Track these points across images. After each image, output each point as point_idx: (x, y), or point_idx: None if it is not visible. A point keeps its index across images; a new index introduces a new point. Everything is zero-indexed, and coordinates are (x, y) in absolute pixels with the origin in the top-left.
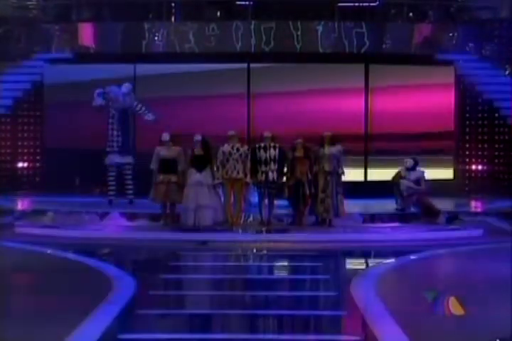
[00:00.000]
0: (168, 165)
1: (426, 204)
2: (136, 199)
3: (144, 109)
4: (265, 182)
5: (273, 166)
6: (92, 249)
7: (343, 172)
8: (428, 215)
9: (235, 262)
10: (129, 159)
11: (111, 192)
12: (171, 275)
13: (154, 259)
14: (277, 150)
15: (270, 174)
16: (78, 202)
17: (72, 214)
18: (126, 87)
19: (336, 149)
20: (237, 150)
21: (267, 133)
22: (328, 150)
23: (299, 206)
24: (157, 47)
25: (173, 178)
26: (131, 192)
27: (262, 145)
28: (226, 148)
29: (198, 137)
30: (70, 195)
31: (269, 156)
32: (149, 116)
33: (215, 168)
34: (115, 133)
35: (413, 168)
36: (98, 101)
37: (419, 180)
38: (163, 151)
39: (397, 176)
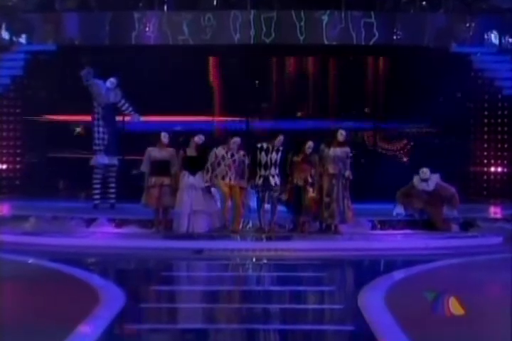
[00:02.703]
0: (160, 167)
1: (436, 219)
2: (126, 204)
3: (130, 109)
4: (263, 187)
5: (273, 171)
6: (77, 258)
7: (350, 176)
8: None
9: (232, 272)
10: (114, 160)
11: (96, 196)
12: (163, 286)
13: (145, 269)
14: (280, 153)
15: (271, 179)
16: (62, 207)
17: (56, 220)
18: (111, 81)
19: (341, 150)
20: (232, 155)
21: (279, 137)
22: (333, 151)
23: (297, 212)
24: (148, 39)
25: (166, 181)
26: (113, 196)
27: (265, 146)
28: (220, 151)
29: (201, 137)
30: (53, 200)
31: (270, 160)
32: (135, 117)
33: (204, 173)
34: (101, 130)
35: (427, 176)
36: (86, 71)
37: (439, 188)
38: (154, 152)
39: (407, 191)
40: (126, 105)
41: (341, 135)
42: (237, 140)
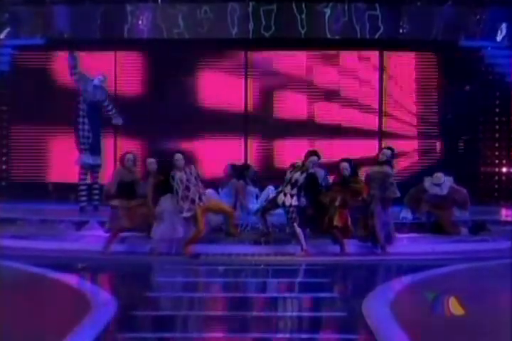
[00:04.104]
0: (131, 189)
1: (444, 222)
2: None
3: (114, 110)
4: (269, 202)
5: (288, 189)
6: (67, 263)
7: (390, 195)
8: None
9: (229, 278)
10: (99, 160)
11: (82, 198)
12: (157, 293)
13: (138, 274)
14: (303, 175)
15: (281, 196)
16: (51, 209)
17: (45, 223)
18: (99, 79)
19: (378, 171)
20: (190, 173)
21: (313, 158)
22: (368, 170)
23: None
24: (141, 32)
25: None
26: (97, 197)
27: (296, 164)
28: (180, 175)
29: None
30: (41, 202)
31: (290, 178)
32: (118, 120)
33: (180, 202)
34: (86, 127)
35: (440, 180)
36: (71, 56)
37: (452, 191)
38: (129, 174)
39: (417, 195)
40: (111, 106)
41: (382, 154)
42: (178, 156)
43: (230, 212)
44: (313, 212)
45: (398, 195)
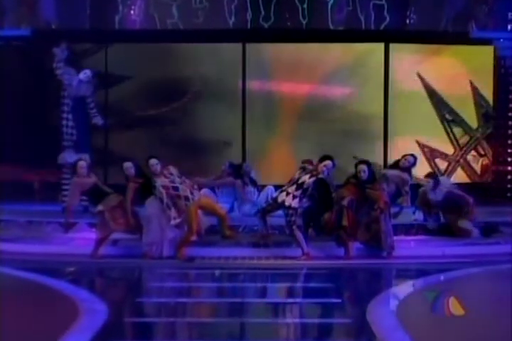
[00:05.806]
0: (101, 191)
1: (454, 224)
2: None
3: (95, 110)
4: (268, 203)
5: (292, 189)
6: (55, 267)
7: (403, 202)
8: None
9: (226, 283)
10: (85, 158)
11: (65, 198)
12: (150, 298)
13: (130, 279)
14: (312, 179)
15: (282, 194)
16: (38, 210)
17: (31, 225)
18: (85, 73)
19: (397, 174)
20: (171, 174)
21: (326, 162)
22: (386, 171)
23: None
24: (133, 23)
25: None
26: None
27: (306, 167)
28: (162, 181)
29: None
30: (28, 202)
31: (297, 179)
32: (98, 120)
33: (167, 211)
34: (70, 124)
35: (436, 184)
36: (59, 49)
37: (451, 196)
38: (84, 180)
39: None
40: (92, 105)
41: (405, 160)
42: (153, 161)
43: (222, 214)
44: (319, 211)
45: (409, 204)
